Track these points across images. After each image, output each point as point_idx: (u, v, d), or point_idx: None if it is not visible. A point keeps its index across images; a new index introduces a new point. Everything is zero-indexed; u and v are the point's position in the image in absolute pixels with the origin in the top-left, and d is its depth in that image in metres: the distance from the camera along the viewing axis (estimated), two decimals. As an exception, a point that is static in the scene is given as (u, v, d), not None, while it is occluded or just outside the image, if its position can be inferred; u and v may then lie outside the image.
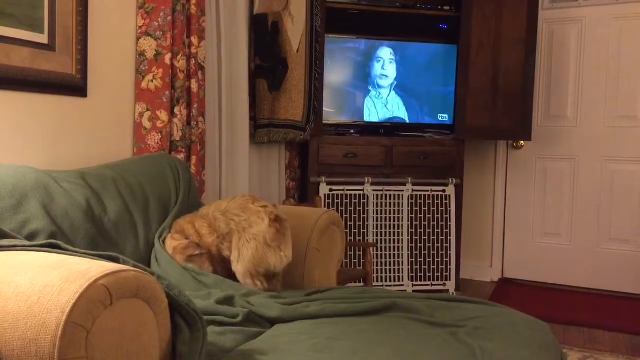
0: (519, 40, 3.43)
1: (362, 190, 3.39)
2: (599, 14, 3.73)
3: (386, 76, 3.53)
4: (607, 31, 3.71)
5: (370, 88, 3.52)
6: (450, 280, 3.50)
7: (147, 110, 2.27)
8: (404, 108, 3.57)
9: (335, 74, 3.48)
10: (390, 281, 3.42)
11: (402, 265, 3.45)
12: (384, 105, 3.54)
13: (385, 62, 3.52)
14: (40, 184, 1.59)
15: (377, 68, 3.51)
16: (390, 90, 3.54)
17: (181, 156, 2.36)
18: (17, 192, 1.52)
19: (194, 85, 2.43)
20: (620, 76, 3.69)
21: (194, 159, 2.46)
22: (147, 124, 2.27)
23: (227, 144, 2.82)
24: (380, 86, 3.53)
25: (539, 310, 3.27)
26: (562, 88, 3.85)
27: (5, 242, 1.25)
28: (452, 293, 3.48)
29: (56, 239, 1.48)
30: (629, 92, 3.68)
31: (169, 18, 2.27)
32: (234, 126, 2.87)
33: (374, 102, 3.53)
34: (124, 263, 1.14)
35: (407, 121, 3.58)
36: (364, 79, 3.51)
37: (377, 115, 3.54)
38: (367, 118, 3.53)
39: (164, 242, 1.87)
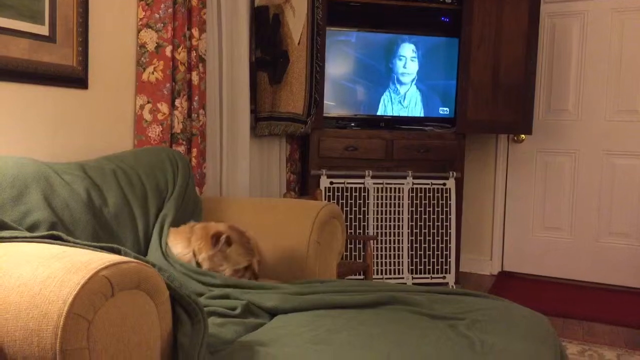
0: (521, 33, 3.42)
1: (363, 183, 3.39)
2: (601, 7, 3.71)
3: (388, 70, 3.52)
4: (609, 25, 3.69)
5: (371, 81, 3.51)
6: (449, 273, 3.51)
7: (148, 102, 2.27)
8: (407, 101, 3.56)
9: (336, 67, 3.47)
10: (390, 274, 3.43)
11: (402, 258, 3.46)
12: (386, 98, 3.53)
13: (387, 56, 3.51)
14: (41, 175, 1.59)
15: (378, 61, 3.50)
16: (393, 84, 3.53)
17: (182, 149, 2.36)
18: (18, 183, 1.52)
19: (195, 78, 2.42)
20: (622, 70, 3.68)
21: (194, 151, 2.46)
22: (147, 116, 2.27)
23: (228, 136, 2.82)
24: (382, 79, 3.52)
25: (538, 303, 3.28)
26: (563, 82, 3.84)
27: (6, 233, 1.25)
28: (452, 286, 3.48)
29: (57, 231, 1.49)
30: (631, 86, 3.67)
31: (170, 10, 2.27)
32: (234, 119, 2.87)
33: (375, 95, 3.52)
34: (125, 254, 1.15)
35: (410, 115, 3.58)
36: (365, 72, 3.50)
37: (379, 109, 3.53)
38: (370, 111, 3.52)
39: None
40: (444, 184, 3.49)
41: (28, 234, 1.28)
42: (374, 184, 3.40)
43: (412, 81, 3.55)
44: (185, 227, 1.84)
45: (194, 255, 1.75)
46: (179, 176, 2.05)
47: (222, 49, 2.73)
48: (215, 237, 1.70)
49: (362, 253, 3.33)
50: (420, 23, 3.59)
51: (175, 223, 1.91)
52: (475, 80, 3.48)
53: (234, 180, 2.88)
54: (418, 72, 3.54)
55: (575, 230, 3.86)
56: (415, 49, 3.52)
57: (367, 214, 3.40)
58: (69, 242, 1.23)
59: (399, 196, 3.45)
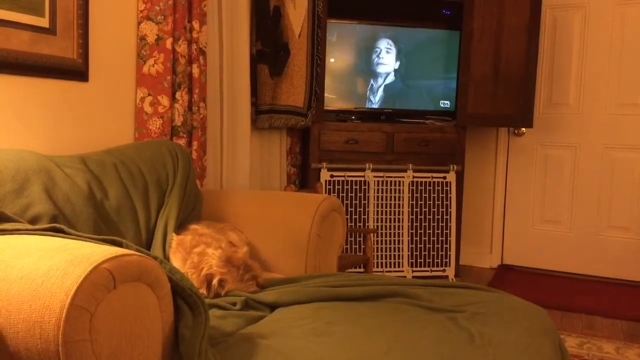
0: (522, 26, 3.41)
1: (363, 176, 3.39)
2: (603, 0, 3.70)
3: (386, 64, 3.51)
4: (611, 18, 3.68)
5: (373, 74, 3.51)
6: (449, 266, 3.52)
7: (149, 95, 2.26)
8: (407, 95, 3.56)
9: (336, 60, 3.47)
10: (390, 267, 3.44)
11: (402, 252, 3.47)
12: (385, 92, 3.53)
13: (384, 49, 3.50)
14: (42, 169, 1.60)
15: (379, 54, 3.50)
16: (393, 77, 3.53)
17: (182, 141, 2.37)
18: (19, 176, 1.53)
19: (195, 70, 2.42)
20: (623, 63, 3.67)
21: (195, 144, 2.46)
22: (148, 109, 2.27)
23: (228, 129, 2.81)
24: (381, 72, 3.51)
25: (538, 296, 3.29)
26: (564, 75, 3.83)
27: (8, 225, 1.25)
28: (452, 279, 3.50)
29: (58, 223, 1.49)
30: (632, 79, 3.66)
31: (170, 2, 2.26)
32: (235, 112, 2.87)
33: (375, 88, 3.52)
34: (127, 247, 1.15)
35: (411, 108, 3.58)
36: (366, 65, 3.50)
37: (379, 102, 3.53)
38: (370, 105, 3.52)
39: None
40: (444, 177, 3.50)
41: (30, 227, 1.28)
42: (375, 177, 3.40)
43: (414, 74, 3.54)
44: (186, 239, 1.80)
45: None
46: (180, 169, 2.05)
47: (222, 41, 2.73)
48: (208, 282, 1.62)
49: (362, 246, 3.34)
50: (422, 15, 3.58)
51: (179, 221, 1.91)
52: (476, 73, 3.47)
53: (234, 173, 2.88)
54: (419, 65, 3.53)
55: (575, 224, 3.87)
56: (417, 42, 3.51)
57: (368, 207, 3.40)
58: (71, 234, 1.24)
59: (400, 189, 3.45)
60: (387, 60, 3.51)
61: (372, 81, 3.51)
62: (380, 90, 3.52)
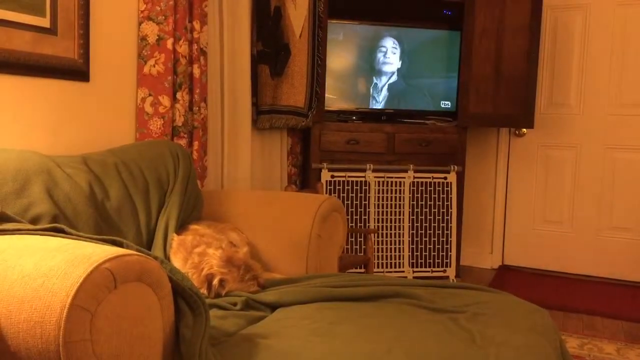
0: (523, 26, 3.41)
1: (364, 176, 3.39)
2: (604, 0, 3.69)
3: (390, 63, 3.51)
4: (612, 18, 3.68)
5: (373, 74, 3.51)
6: (450, 266, 3.51)
7: (149, 95, 2.27)
8: (408, 95, 3.56)
9: (337, 60, 3.47)
10: (391, 267, 3.44)
11: (403, 252, 3.46)
12: (387, 92, 3.53)
13: (389, 49, 3.50)
14: (43, 169, 1.60)
15: (380, 54, 3.50)
16: (395, 77, 3.53)
17: (183, 142, 2.37)
18: (21, 176, 1.53)
19: (196, 71, 2.42)
20: (625, 64, 3.67)
21: (196, 144, 2.46)
22: (149, 109, 2.27)
23: (229, 129, 2.82)
24: (383, 73, 3.51)
25: (539, 296, 3.29)
26: (565, 75, 3.83)
27: (9, 225, 1.26)
28: (453, 280, 3.49)
29: (59, 223, 1.49)
30: (633, 80, 3.66)
31: (171, 2, 2.26)
32: (236, 112, 2.87)
33: (377, 89, 3.52)
34: (128, 247, 1.15)
35: (412, 108, 3.57)
36: (366, 66, 3.50)
37: (381, 103, 3.53)
38: (371, 105, 3.52)
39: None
40: (445, 178, 3.49)
41: (31, 227, 1.28)
42: (375, 177, 3.40)
43: (415, 74, 3.54)
44: (187, 240, 1.80)
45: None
46: (180, 169, 2.05)
47: (223, 41, 2.73)
48: (208, 282, 1.63)
49: (363, 246, 3.34)
50: (424, 16, 3.58)
51: (180, 221, 1.91)
52: (477, 73, 3.47)
53: (235, 173, 2.88)
54: (421, 65, 3.53)
55: (576, 224, 3.86)
56: (418, 42, 3.51)
57: (368, 208, 3.40)
58: (71, 234, 1.24)
59: (400, 190, 3.45)
60: (393, 59, 3.51)
61: (376, 80, 3.51)
62: (385, 89, 3.52)
